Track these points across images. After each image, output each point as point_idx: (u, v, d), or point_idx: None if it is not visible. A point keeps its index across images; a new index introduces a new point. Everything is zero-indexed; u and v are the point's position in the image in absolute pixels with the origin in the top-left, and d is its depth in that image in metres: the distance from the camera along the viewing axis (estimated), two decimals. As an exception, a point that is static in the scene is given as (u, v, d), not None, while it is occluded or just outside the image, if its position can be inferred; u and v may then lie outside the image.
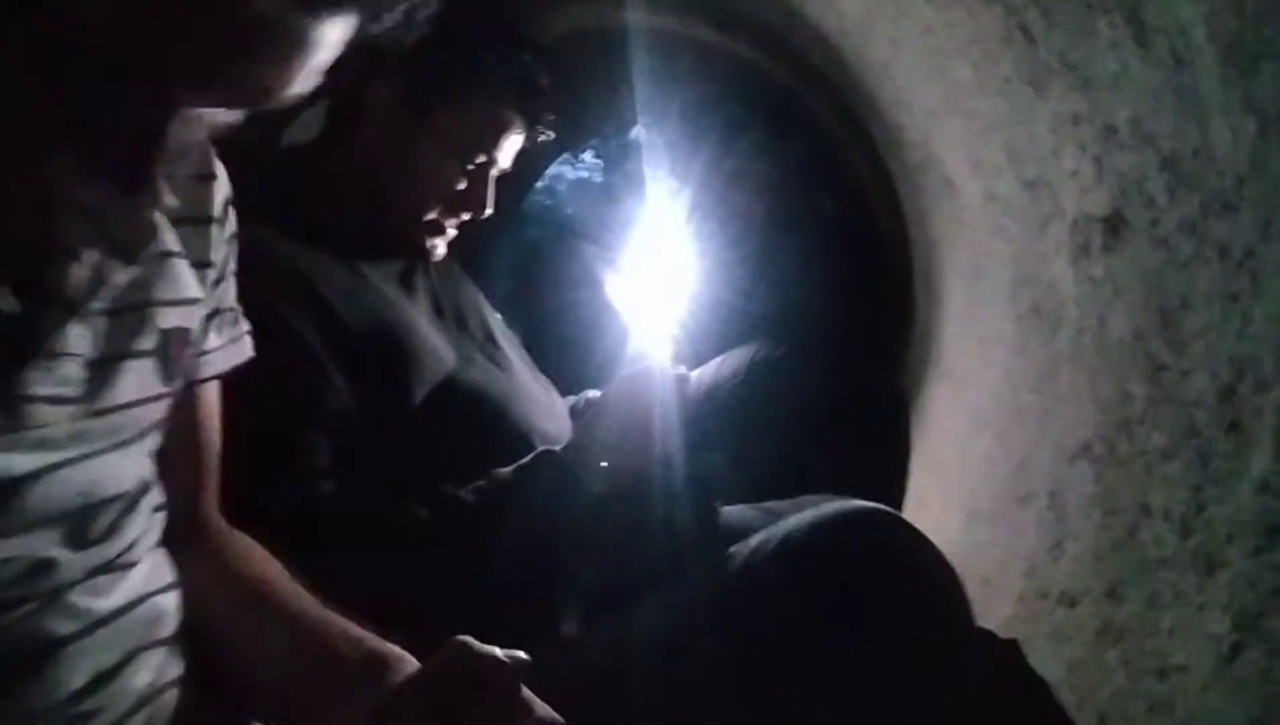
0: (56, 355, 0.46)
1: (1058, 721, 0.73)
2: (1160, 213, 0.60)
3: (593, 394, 1.32)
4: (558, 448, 0.90)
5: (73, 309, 0.47)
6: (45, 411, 0.46)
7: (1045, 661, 0.77)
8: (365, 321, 0.87)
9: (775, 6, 1.11)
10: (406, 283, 1.03)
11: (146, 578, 0.54)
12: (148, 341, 0.52)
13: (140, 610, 0.53)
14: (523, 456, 0.96)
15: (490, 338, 1.12)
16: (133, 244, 0.50)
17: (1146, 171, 0.61)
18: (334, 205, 0.94)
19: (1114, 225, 0.67)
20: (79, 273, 0.47)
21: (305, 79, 0.45)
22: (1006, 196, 0.88)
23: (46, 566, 0.47)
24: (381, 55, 0.74)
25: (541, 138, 1.01)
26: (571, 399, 1.29)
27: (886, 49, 0.96)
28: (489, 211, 0.99)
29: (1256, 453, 0.54)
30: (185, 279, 0.56)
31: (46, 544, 0.47)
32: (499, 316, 1.20)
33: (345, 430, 0.83)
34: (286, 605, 0.59)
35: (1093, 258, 0.73)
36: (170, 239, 0.54)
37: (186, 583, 0.59)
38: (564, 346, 1.52)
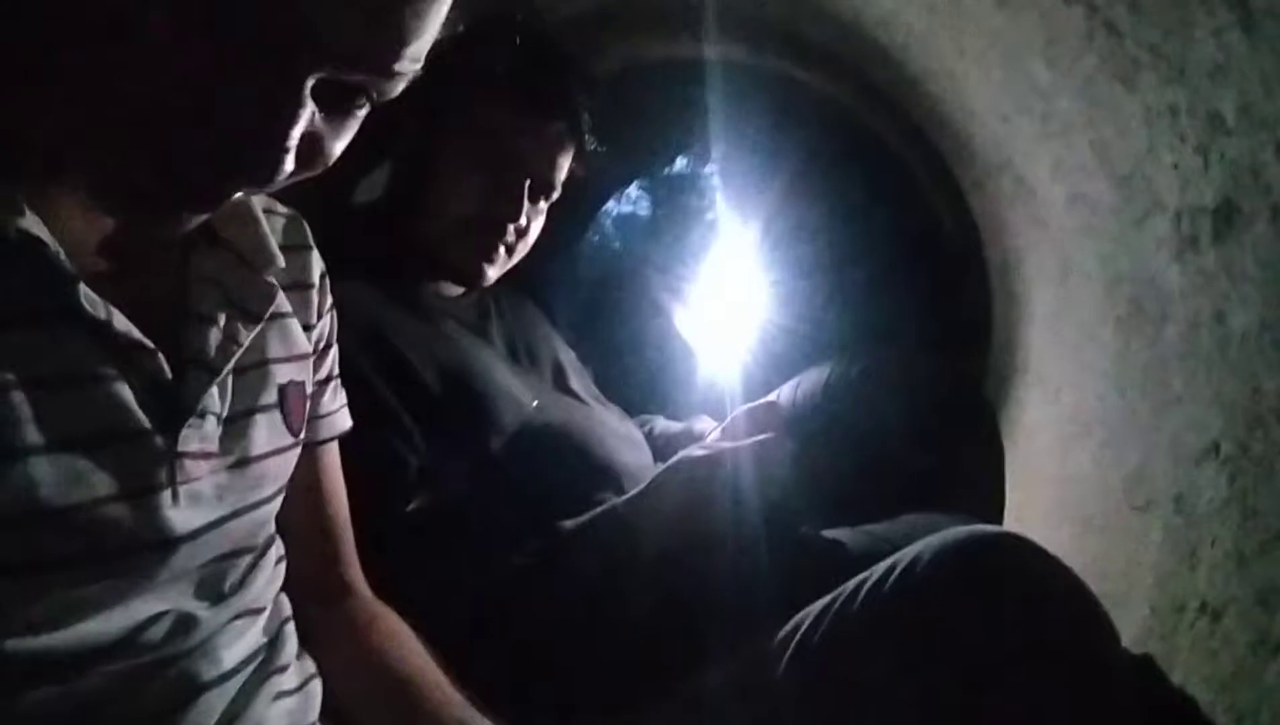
0: (203, 413, 0.50)
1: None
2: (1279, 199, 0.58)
3: (660, 421, 1.31)
4: (698, 452, 0.89)
5: (213, 370, 0.50)
6: (194, 466, 0.49)
7: (1189, 679, 0.73)
8: (441, 371, 0.88)
9: (832, 26, 1.11)
10: (479, 326, 1.04)
11: (269, 620, 0.57)
12: (269, 396, 0.56)
13: (267, 651, 0.56)
14: (609, 490, 0.95)
15: (564, 374, 1.12)
16: (257, 306, 0.54)
17: (1261, 157, 0.59)
18: (379, 244, 0.95)
19: (1226, 215, 0.65)
20: (215, 335, 0.51)
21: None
22: (1095, 196, 0.85)
23: (191, 621, 0.50)
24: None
25: (589, 147, 0.98)
26: (641, 422, 1.28)
27: (952, 59, 0.94)
28: (523, 223, 0.95)
29: None
30: (297, 336, 0.60)
31: (188, 598, 0.51)
32: (572, 352, 1.20)
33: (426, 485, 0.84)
34: (436, 712, 0.59)
35: (1201, 251, 0.71)
36: (283, 300, 0.57)
37: (327, 657, 0.61)
38: (631, 375, 1.52)
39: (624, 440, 1.06)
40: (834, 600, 0.74)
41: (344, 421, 0.69)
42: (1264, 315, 0.64)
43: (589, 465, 0.97)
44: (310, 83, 0.40)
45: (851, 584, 0.75)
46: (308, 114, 0.41)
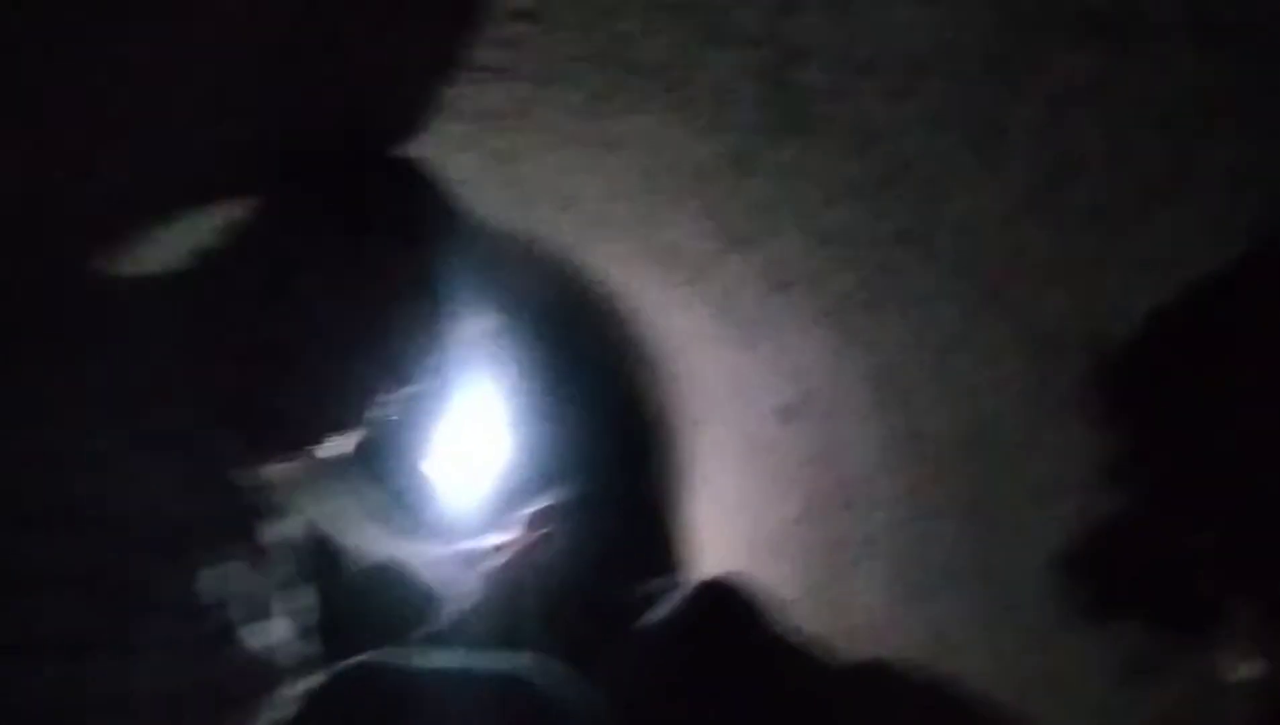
0: None
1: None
2: (815, 409, 1.33)
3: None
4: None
5: None
6: None
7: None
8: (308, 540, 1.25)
9: (557, 261, 1.74)
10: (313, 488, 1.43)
11: None
12: None
13: None
14: (434, 610, 1.39)
15: (372, 517, 1.52)
16: None
17: (807, 389, 1.34)
18: None
19: (793, 410, 1.40)
20: None
21: None
22: (728, 388, 1.59)
23: None
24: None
25: None
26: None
27: (649, 302, 1.64)
28: None
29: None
30: None
31: None
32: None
33: None
34: None
35: (784, 425, 1.46)
36: None
37: None
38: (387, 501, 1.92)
39: (434, 565, 1.42)
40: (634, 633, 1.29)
41: None
42: (810, 451, 1.39)
43: (420, 588, 1.33)
44: None
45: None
46: None
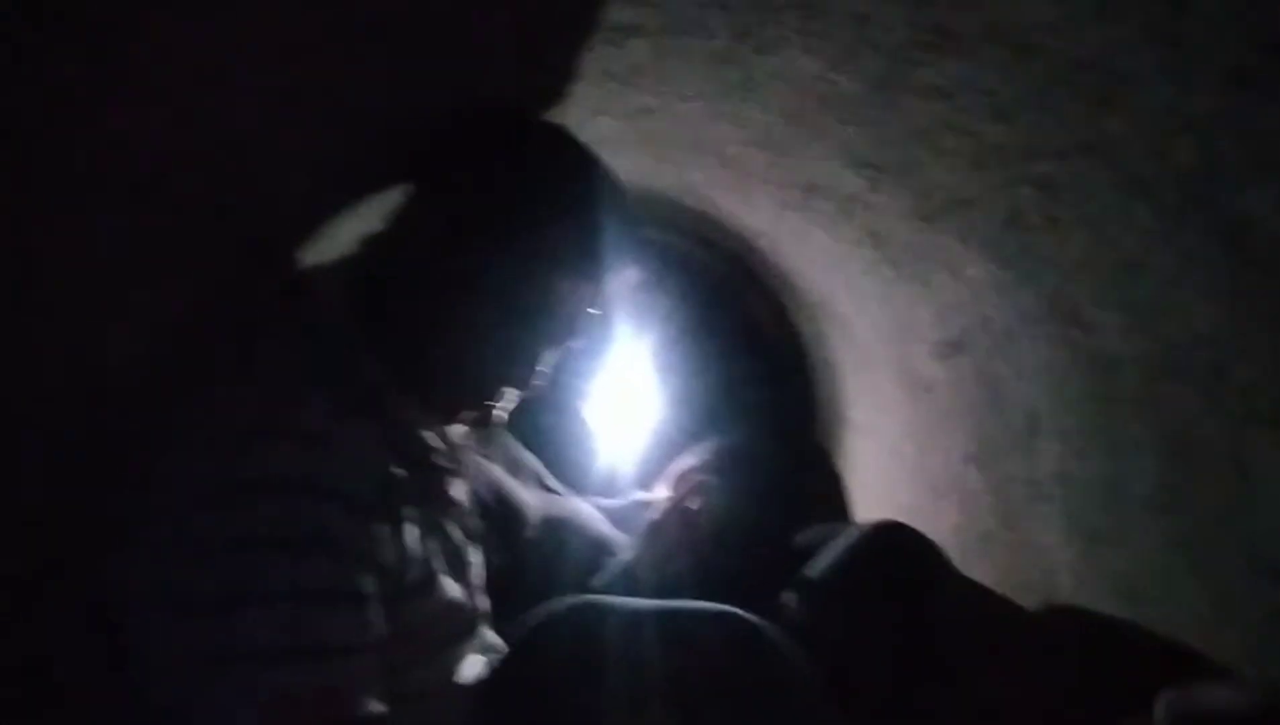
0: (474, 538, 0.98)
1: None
2: (984, 342, 1.27)
3: (600, 500, 1.77)
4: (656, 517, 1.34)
5: (469, 512, 0.97)
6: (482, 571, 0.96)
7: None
8: (492, 495, 1.20)
9: (700, 211, 1.73)
10: (485, 453, 1.41)
11: None
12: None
13: None
14: (605, 555, 1.42)
15: (540, 476, 1.57)
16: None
17: (974, 321, 1.27)
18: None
19: (958, 344, 1.34)
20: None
21: None
22: (884, 326, 1.54)
23: None
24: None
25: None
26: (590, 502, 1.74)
27: (794, 245, 1.61)
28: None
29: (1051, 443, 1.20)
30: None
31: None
32: (531, 455, 1.64)
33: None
34: None
35: (946, 358, 1.40)
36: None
37: None
38: (552, 461, 1.99)
39: (597, 519, 1.40)
40: (805, 576, 1.28)
41: None
42: (977, 395, 1.32)
43: (588, 541, 1.33)
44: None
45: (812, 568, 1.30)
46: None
